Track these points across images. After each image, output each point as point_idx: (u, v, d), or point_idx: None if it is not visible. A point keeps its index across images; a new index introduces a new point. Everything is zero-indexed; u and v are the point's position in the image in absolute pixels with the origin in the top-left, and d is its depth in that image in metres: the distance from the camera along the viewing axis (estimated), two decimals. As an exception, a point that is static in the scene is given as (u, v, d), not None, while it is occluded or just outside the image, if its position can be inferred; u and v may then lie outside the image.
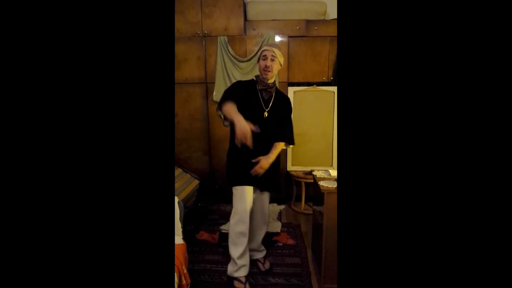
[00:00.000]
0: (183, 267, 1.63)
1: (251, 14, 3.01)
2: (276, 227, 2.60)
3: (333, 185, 1.79)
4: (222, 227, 2.50)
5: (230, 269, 1.89)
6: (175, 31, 2.92)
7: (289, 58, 2.97)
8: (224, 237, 2.39)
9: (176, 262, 1.56)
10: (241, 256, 1.83)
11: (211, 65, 3.00)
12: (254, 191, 1.86)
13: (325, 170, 2.12)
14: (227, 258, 2.18)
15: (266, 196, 1.96)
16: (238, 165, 1.82)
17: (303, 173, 2.97)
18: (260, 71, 1.77)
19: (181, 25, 2.95)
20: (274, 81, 1.84)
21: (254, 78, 1.84)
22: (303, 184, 2.98)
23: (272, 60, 1.72)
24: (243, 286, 1.83)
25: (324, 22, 2.97)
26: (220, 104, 1.74)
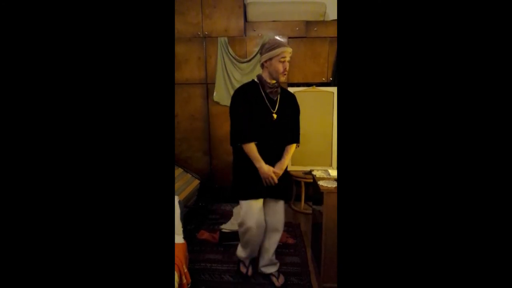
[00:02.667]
0: (184, 266, 1.63)
1: (251, 15, 3.02)
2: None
3: (333, 184, 1.79)
4: (223, 226, 2.50)
5: (239, 252, 1.98)
6: (176, 32, 2.93)
7: (289, 59, 2.97)
8: (225, 236, 2.40)
9: (177, 261, 1.57)
10: (250, 250, 1.92)
11: (211, 66, 3.00)
12: (267, 201, 1.82)
13: (324, 170, 2.12)
14: (228, 257, 2.21)
15: (278, 204, 1.85)
16: (246, 179, 1.74)
17: (302, 173, 2.97)
18: (276, 73, 1.63)
19: (182, 26, 2.95)
20: None
21: (256, 80, 1.73)
22: (302, 183, 2.98)
23: (289, 61, 1.64)
24: (245, 269, 2.00)
25: (324, 23, 2.98)
26: (245, 130, 1.65)
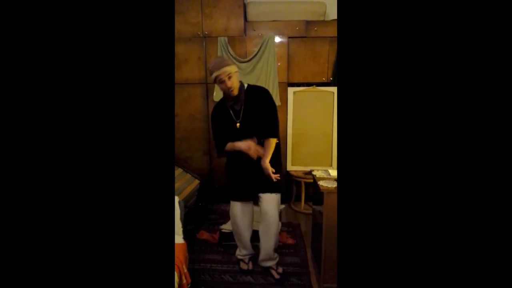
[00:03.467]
0: (184, 266, 1.64)
1: (251, 15, 3.02)
2: (276, 227, 2.61)
3: (333, 185, 1.79)
4: (222, 226, 2.50)
5: (238, 252, 2.13)
6: (176, 32, 2.93)
7: (288, 59, 2.97)
8: (225, 236, 2.40)
9: (177, 261, 1.57)
10: (242, 248, 2.06)
11: (211, 66, 3.00)
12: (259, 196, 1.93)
13: (324, 170, 2.12)
14: (227, 257, 2.23)
15: (267, 200, 1.87)
16: (231, 182, 1.96)
17: (302, 173, 2.98)
18: (225, 92, 1.77)
19: (182, 26, 2.95)
20: (241, 84, 1.80)
21: (224, 95, 1.85)
22: (302, 184, 2.98)
23: (230, 77, 1.70)
24: (246, 266, 2.09)
25: (324, 22, 2.98)
26: (217, 147, 1.93)
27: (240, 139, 1.78)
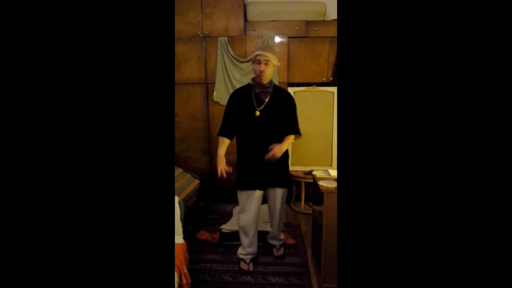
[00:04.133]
0: (184, 266, 1.64)
1: (251, 15, 3.02)
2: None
3: (333, 185, 1.79)
4: (223, 226, 2.50)
5: (240, 251, 2.12)
6: (176, 32, 2.93)
7: (288, 59, 2.97)
8: (224, 236, 2.40)
9: (177, 261, 1.57)
10: (247, 246, 2.06)
11: (211, 66, 3.00)
12: (267, 189, 2.03)
13: (324, 170, 2.12)
14: (227, 257, 2.22)
15: (276, 192, 2.03)
16: (243, 172, 1.98)
17: (303, 173, 2.98)
18: (255, 73, 1.85)
19: (182, 26, 2.95)
20: (271, 80, 1.91)
21: (251, 82, 1.93)
22: (302, 184, 2.98)
23: (266, 64, 1.79)
24: (247, 266, 2.08)
25: (324, 22, 2.98)
26: (222, 125, 1.97)
27: (257, 127, 1.87)
